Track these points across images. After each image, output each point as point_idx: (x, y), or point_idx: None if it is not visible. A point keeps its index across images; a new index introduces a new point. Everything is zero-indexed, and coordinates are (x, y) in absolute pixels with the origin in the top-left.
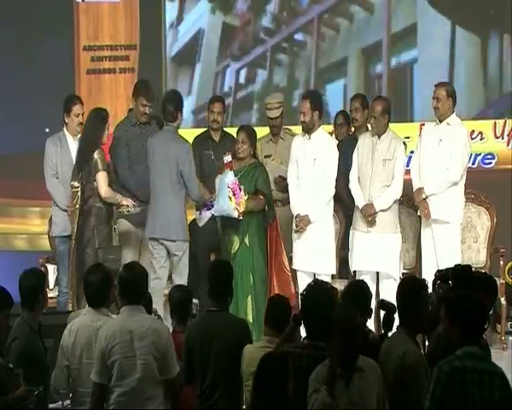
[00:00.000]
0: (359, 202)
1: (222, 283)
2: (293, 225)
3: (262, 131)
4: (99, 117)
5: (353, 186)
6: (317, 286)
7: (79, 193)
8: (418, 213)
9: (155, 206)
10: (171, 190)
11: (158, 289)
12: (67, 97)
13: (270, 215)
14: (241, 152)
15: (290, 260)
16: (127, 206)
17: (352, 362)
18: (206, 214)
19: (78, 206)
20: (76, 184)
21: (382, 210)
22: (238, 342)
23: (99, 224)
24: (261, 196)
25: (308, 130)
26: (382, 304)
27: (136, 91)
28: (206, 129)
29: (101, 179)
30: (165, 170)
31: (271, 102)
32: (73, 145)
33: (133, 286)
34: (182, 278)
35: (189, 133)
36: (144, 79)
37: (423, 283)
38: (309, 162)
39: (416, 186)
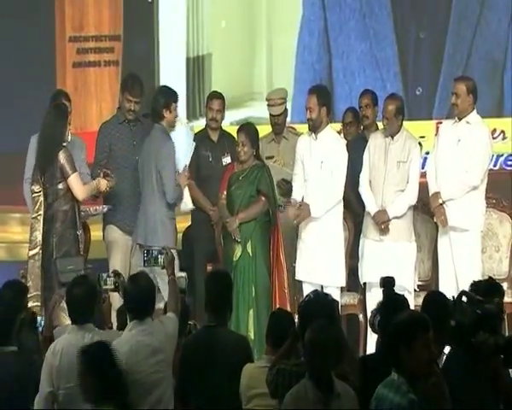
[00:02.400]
0: (371, 207)
1: (220, 295)
2: (300, 233)
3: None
4: (59, 113)
5: (364, 190)
6: (316, 298)
7: (41, 198)
8: (434, 220)
9: (141, 210)
10: (157, 193)
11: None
12: (54, 93)
13: (272, 220)
14: (243, 155)
15: (294, 269)
16: (106, 189)
17: (329, 385)
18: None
19: (40, 212)
20: (37, 188)
21: (396, 217)
22: (238, 362)
23: (64, 229)
24: (262, 198)
25: (315, 128)
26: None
27: (122, 86)
28: (203, 128)
29: (75, 182)
30: (147, 172)
31: (273, 98)
32: None
33: (139, 299)
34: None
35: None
36: (132, 73)
37: (447, 299)
38: (315, 165)
39: (432, 190)
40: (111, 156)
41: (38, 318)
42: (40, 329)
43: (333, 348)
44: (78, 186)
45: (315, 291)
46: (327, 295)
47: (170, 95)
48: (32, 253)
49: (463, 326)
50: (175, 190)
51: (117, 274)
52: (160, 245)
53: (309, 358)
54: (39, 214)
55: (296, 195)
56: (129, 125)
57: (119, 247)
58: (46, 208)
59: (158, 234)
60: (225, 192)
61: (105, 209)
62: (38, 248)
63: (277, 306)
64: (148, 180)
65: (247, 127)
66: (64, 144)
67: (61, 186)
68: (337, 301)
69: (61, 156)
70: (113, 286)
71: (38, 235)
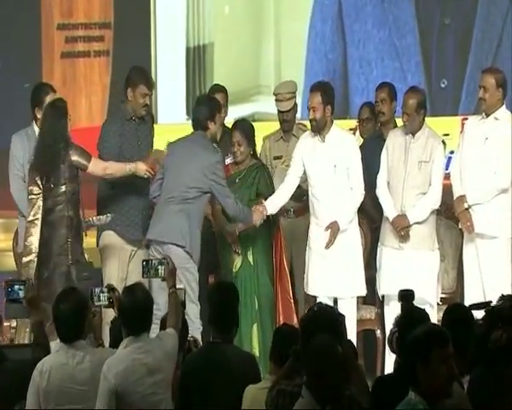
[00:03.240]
0: (389, 212)
1: (226, 309)
2: (309, 242)
3: (264, 127)
4: (57, 110)
5: (382, 193)
6: (319, 312)
7: (40, 201)
8: (459, 226)
9: (157, 214)
10: (179, 201)
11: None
12: (37, 87)
13: (274, 225)
14: (239, 156)
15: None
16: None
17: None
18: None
19: (38, 216)
20: (36, 190)
21: (417, 222)
22: (246, 382)
23: (71, 236)
24: (263, 201)
25: (319, 129)
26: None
27: (132, 80)
28: None
29: (95, 165)
30: (184, 177)
31: (281, 92)
32: None
33: (135, 313)
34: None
35: (184, 129)
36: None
37: (471, 314)
38: (328, 170)
39: (456, 194)
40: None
41: None
42: None
43: (337, 367)
44: (100, 165)
45: (318, 304)
46: (332, 308)
47: (214, 105)
48: (26, 260)
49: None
50: (236, 204)
51: (111, 289)
52: (182, 245)
53: (310, 378)
54: (36, 218)
55: (274, 200)
56: (135, 122)
57: (117, 253)
58: (45, 213)
59: (186, 237)
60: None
61: (108, 219)
62: (34, 255)
63: (282, 317)
64: (174, 186)
65: (242, 124)
66: (70, 142)
67: (64, 189)
68: (343, 315)
69: (73, 156)
70: (107, 302)
71: (34, 241)
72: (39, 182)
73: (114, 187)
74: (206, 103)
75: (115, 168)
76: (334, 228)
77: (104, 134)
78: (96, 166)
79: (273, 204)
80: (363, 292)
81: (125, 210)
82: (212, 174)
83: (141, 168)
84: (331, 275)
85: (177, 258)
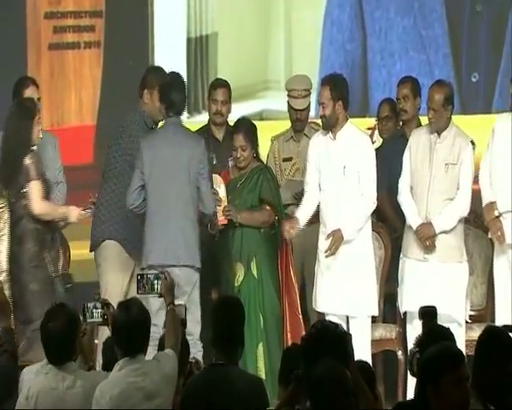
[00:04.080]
0: (413, 220)
1: (230, 327)
2: (318, 253)
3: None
4: (23, 112)
5: (404, 199)
6: (322, 330)
7: (6, 214)
8: (490, 236)
9: (156, 226)
10: (182, 206)
11: (153, 338)
12: (17, 81)
13: (279, 233)
14: (242, 161)
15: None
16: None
17: None
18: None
19: (5, 231)
20: (0, 201)
21: (444, 232)
22: (251, 407)
23: (43, 249)
24: (267, 207)
25: (330, 126)
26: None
27: (151, 81)
28: (205, 124)
29: (35, 191)
30: (174, 177)
31: (297, 89)
32: None
33: (131, 331)
34: (195, 325)
35: None
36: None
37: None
38: (337, 171)
39: (486, 200)
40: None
41: None
42: None
43: (344, 395)
44: (37, 197)
45: (321, 321)
46: (336, 325)
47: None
48: None
49: None
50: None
51: (106, 304)
52: (189, 265)
53: (314, 408)
54: (3, 234)
55: (303, 212)
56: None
57: (119, 266)
58: (11, 226)
59: (191, 253)
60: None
61: (88, 214)
62: (5, 274)
63: (290, 336)
64: (174, 187)
65: (246, 127)
66: (33, 148)
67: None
68: (350, 334)
69: (28, 161)
70: (100, 319)
71: (3, 257)
72: (4, 192)
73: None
74: (179, 83)
75: (48, 209)
76: (335, 236)
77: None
78: (35, 192)
79: (304, 216)
80: (375, 312)
81: (135, 222)
82: (198, 163)
83: (73, 214)
84: (340, 291)
85: (187, 279)
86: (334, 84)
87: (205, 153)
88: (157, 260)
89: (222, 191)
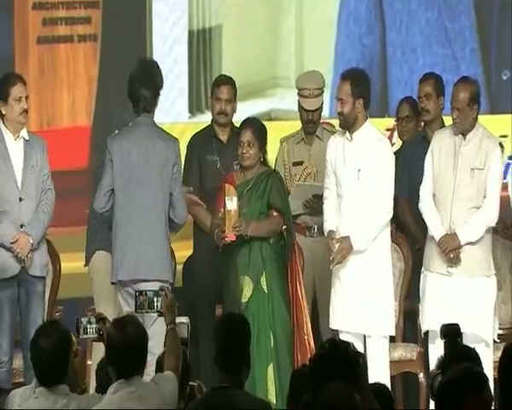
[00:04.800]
0: (435, 230)
1: (235, 347)
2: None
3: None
4: None
5: (426, 207)
6: (332, 349)
7: None
8: None
9: (125, 238)
10: (154, 214)
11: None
12: (3, 78)
13: (289, 244)
14: (247, 158)
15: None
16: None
17: None
18: None
19: None
20: None
21: (470, 243)
22: None
23: None
24: (275, 213)
25: (347, 126)
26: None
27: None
28: (208, 124)
29: None
30: (146, 182)
31: (308, 87)
32: (16, 147)
33: (127, 351)
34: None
35: (187, 130)
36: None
37: None
38: (351, 175)
39: None
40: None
41: None
42: None
43: None
44: None
45: (330, 341)
46: (348, 345)
47: (160, 75)
48: None
49: None
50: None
51: (101, 319)
52: (162, 279)
53: None
54: None
55: (330, 223)
56: None
57: (107, 282)
58: None
59: (165, 268)
60: (223, 211)
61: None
62: None
63: (300, 357)
64: (145, 193)
65: (254, 123)
66: None
67: None
68: (362, 354)
69: None
70: (95, 335)
71: None
72: None
73: None
74: (149, 75)
75: None
76: (343, 245)
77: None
78: None
79: (335, 226)
80: (391, 331)
81: None
82: (172, 167)
83: (21, 242)
84: (354, 307)
85: None
86: (356, 79)
87: (179, 155)
88: (127, 275)
89: (233, 204)
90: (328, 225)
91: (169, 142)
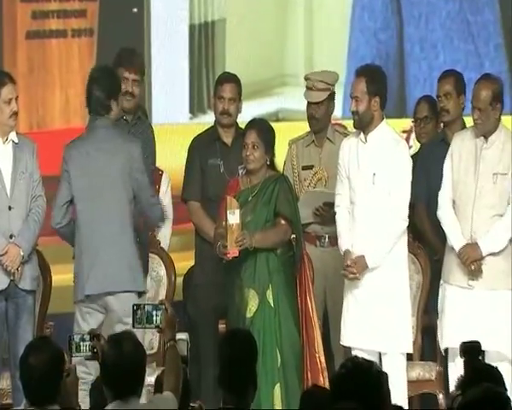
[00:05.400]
0: (455, 240)
1: (241, 365)
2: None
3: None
4: None
5: (445, 215)
6: (354, 369)
7: None
8: None
9: (92, 249)
10: (119, 221)
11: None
12: None
13: (298, 254)
14: (252, 162)
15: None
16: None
17: None
18: None
19: None
20: None
21: (492, 254)
22: None
23: None
24: (282, 221)
25: (362, 126)
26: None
27: (115, 62)
28: (211, 126)
29: None
30: (108, 188)
31: (312, 79)
32: (4, 151)
33: (123, 370)
34: None
35: (188, 131)
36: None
37: None
38: (365, 179)
39: None
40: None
41: None
42: None
43: None
44: None
45: (353, 358)
46: (371, 364)
47: (115, 77)
48: None
49: None
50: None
51: (95, 336)
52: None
53: None
54: None
55: (345, 241)
56: (127, 123)
57: None
58: None
59: (132, 277)
60: (224, 225)
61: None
62: None
63: (310, 376)
64: (106, 199)
65: (260, 124)
66: None
67: None
68: (386, 374)
69: None
70: (89, 353)
71: None
72: None
73: None
74: (103, 76)
75: None
76: (357, 266)
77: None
78: None
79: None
80: (409, 348)
81: None
82: (137, 171)
83: (11, 253)
84: (368, 322)
85: (128, 308)
86: (372, 76)
87: (142, 158)
88: (95, 288)
89: (235, 218)
90: (343, 243)
91: (129, 144)
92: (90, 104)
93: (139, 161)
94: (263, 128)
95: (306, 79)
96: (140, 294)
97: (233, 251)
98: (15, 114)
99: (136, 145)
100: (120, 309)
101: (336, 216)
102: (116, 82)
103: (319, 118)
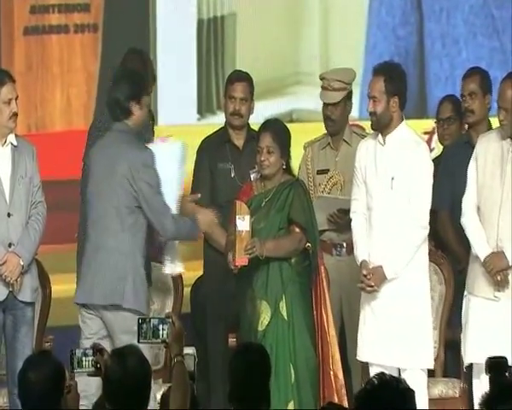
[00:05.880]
0: (480, 248)
1: (253, 381)
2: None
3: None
4: None
5: (469, 222)
6: (380, 386)
7: None
8: None
9: (90, 257)
10: (113, 229)
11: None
12: None
13: (313, 265)
14: (267, 167)
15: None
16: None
17: None
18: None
19: None
20: None
21: None
22: None
23: None
24: (296, 229)
25: (380, 127)
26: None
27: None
28: (221, 127)
29: None
30: (107, 196)
31: (328, 78)
32: (3, 154)
33: (127, 387)
34: None
35: (195, 133)
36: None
37: None
38: (383, 183)
39: None
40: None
41: None
42: None
43: None
44: None
45: (379, 375)
46: (399, 381)
47: (141, 79)
48: None
49: None
50: (175, 221)
51: (98, 350)
52: (126, 308)
53: None
54: None
55: (362, 251)
56: None
57: None
58: None
59: (129, 294)
60: (233, 232)
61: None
62: None
63: (326, 392)
64: (107, 208)
65: (275, 126)
66: None
67: None
68: (413, 391)
69: None
70: (92, 368)
71: None
72: None
73: None
74: (126, 78)
75: None
76: (376, 277)
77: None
78: None
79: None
80: (430, 364)
81: None
82: (140, 180)
83: (11, 263)
84: (386, 336)
85: (122, 323)
86: (391, 75)
87: (146, 166)
88: (82, 298)
89: (245, 224)
90: (359, 253)
91: (135, 151)
92: (108, 107)
93: (143, 170)
94: (278, 130)
95: (322, 78)
96: (134, 311)
97: (241, 260)
98: (15, 115)
99: (143, 153)
100: (115, 324)
101: (352, 223)
102: (139, 83)
103: (336, 119)
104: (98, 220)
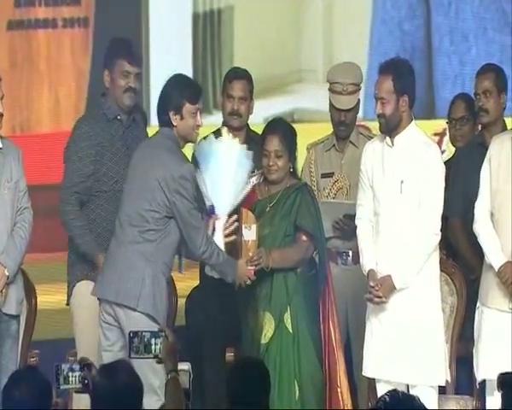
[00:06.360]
0: (494, 257)
1: (252, 397)
2: (368, 305)
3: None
4: None
5: (482, 229)
6: (394, 403)
7: None
8: None
9: (112, 251)
10: (144, 232)
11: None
12: None
13: (322, 275)
14: (275, 172)
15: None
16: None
17: None
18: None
19: None
20: None
21: None
22: None
23: None
24: (304, 237)
25: (389, 129)
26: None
27: (110, 54)
28: (219, 128)
29: None
30: (138, 197)
31: (342, 82)
32: None
33: (117, 403)
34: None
35: None
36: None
37: None
38: (392, 188)
39: None
40: (94, 176)
41: None
42: None
43: None
44: None
45: (392, 393)
46: (413, 398)
47: (184, 88)
48: None
49: None
50: (209, 243)
51: (86, 365)
52: (138, 310)
53: None
54: None
55: (368, 259)
56: (121, 123)
57: (95, 311)
58: None
59: (142, 299)
60: (239, 242)
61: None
62: None
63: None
64: (135, 210)
65: (282, 128)
66: None
67: None
68: (424, 407)
69: None
70: (79, 384)
71: None
72: None
73: None
74: (171, 85)
75: None
76: (384, 287)
77: (76, 139)
78: None
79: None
80: (441, 380)
81: None
82: (175, 192)
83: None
84: (396, 351)
85: (133, 326)
86: (399, 72)
87: (184, 179)
88: (99, 292)
89: (252, 234)
90: (366, 262)
91: (172, 161)
92: (157, 110)
93: (179, 181)
94: (286, 132)
95: (334, 82)
96: (152, 318)
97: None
98: (0, 115)
99: (182, 165)
100: (126, 326)
101: (357, 230)
102: (177, 94)
103: (349, 124)
104: (126, 218)
